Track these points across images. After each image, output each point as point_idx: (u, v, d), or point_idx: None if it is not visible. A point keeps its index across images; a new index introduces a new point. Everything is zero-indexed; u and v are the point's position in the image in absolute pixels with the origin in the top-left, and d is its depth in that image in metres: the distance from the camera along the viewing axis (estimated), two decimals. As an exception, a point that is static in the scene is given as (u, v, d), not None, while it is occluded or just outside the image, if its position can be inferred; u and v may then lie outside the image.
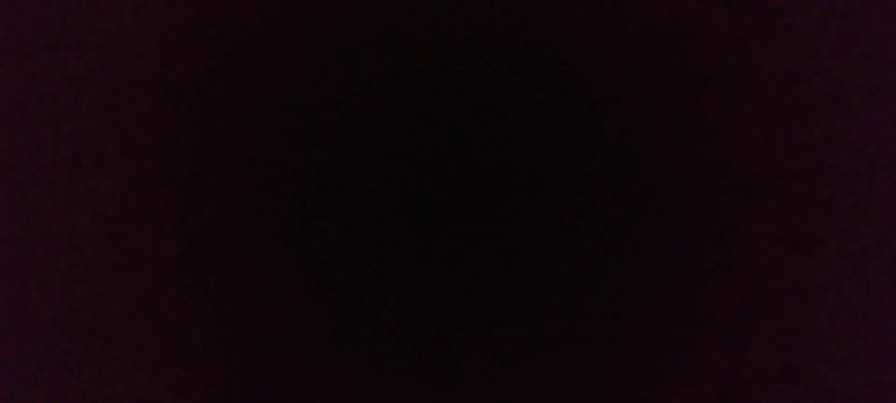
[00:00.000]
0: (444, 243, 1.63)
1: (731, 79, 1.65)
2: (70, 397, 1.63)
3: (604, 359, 1.63)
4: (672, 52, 1.65)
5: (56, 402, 1.63)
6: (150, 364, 1.63)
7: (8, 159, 1.64)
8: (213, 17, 1.65)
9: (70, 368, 1.63)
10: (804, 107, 1.65)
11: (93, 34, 1.66)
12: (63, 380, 1.63)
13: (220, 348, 1.63)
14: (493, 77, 1.64)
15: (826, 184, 1.63)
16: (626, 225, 1.63)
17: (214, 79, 1.64)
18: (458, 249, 1.63)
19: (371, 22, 1.65)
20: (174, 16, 1.65)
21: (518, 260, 1.63)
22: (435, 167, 1.63)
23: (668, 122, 1.64)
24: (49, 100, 1.65)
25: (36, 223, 1.64)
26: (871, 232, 1.63)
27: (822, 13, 1.65)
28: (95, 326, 1.63)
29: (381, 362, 1.63)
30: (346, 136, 1.64)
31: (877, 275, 1.63)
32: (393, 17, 1.65)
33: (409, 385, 1.63)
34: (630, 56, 1.65)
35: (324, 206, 1.64)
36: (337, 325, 1.63)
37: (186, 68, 1.65)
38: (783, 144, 1.64)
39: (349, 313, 1.63)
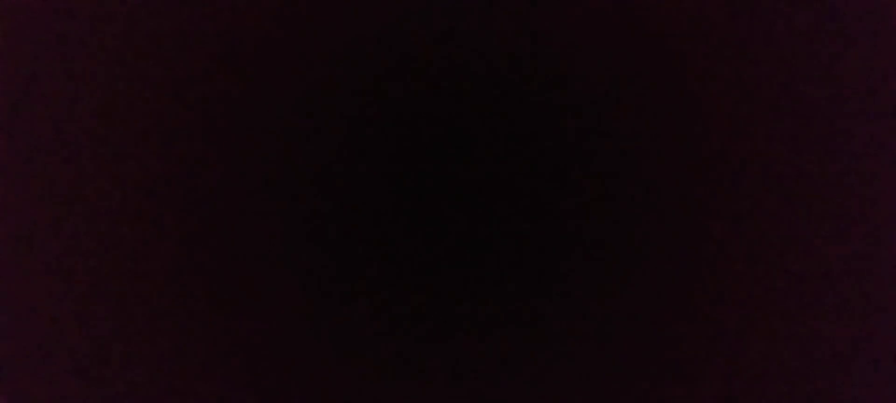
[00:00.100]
0: (444, 243, 1.63)
1: (731, 79, 1.65)
2: (71, 397, 1.63)
3: (604, 359, 1.63)
4: (672, 52, 1.65)
5: (56, 402, 1.63)
6: (150, 363, 1.63)
7: (8, 159, 1.64)
8: (213, 16, 1.65)
9: (70, 368, 1.63)
10: (804, 107, 1.65)
11: (93, 34, 1.66)
12: (63, 380, 1.63)
13: (220, 348, 1.63)
14: (493, 77, 1.65)
15: (826, 184, 1.64)
16: (626, 225, 1.63)
17: (215, 80, 1.65)
18: (459, 249, 1.63)
19: (372, 22, 1.65)
20: (175, 16, 1.66)
21: (518, 260, 1.63)
22: (435, 167, 1.63)
23: (668, 122, 1.64)
24: (49, 100, 1.65)
25: (36, 223, 1.64)
26: (871, 233, 1.63)
27: (822, 13, 1.65)
28: (95, 326, 1.63)
29: (381, 362, 1.63)
30: (346, 137, 1.64)
31: (877, 275, 1.63)
32: (393, 17, 1.65)
33: (410, 385, 1.63)
34: (630, 56, 1.65)
35: (324, 206, 1.64)
36: (337, 325, 1.63)
37: (187, 68, 1.65)
38: (783, 144, 1.64)
39: (349, 313, 1.63)
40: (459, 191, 1.63)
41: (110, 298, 1.63)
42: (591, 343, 1.63)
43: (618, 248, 1.63)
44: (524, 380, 1.63)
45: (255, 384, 1.63)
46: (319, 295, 1.63)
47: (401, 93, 1.64)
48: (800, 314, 1.63)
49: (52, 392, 1.63)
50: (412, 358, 1.63)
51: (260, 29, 1.65)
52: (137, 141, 1.64)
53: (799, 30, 1.65)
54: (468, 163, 1.63)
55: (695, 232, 1.63)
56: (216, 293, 1.63)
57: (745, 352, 1.62)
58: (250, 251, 1.63)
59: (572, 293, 1.63)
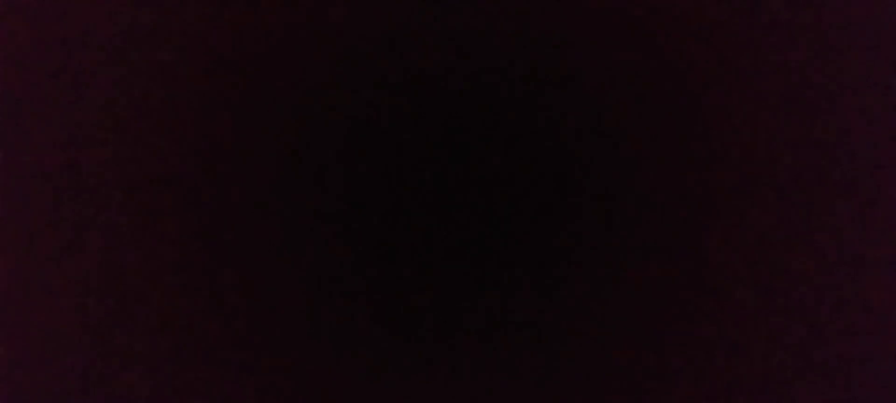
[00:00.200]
0: (444, 243, 1.63)
1: (731, 79, 1.65)
2: (71, 397, 1.63)
3: (604, 359, 1.63)
4: (672, 51, 1.65)
5: (56, 402, 1.63)
6: (150, 363, 1.63)
7: (8, 159, 1.64)
8: (214, 17, 1.65)
9: (71, 368, 1.63)
10: (804, 107, 1.65)
11: (93, 34, 1.66)
12: (64, 380, 1.63)
13: (220, 348, 1.63)
14: (493, 77, 1.64)
15: (826, 183, 1.64)
16: (627, 225, 1.63)
17: (216, 80, 1.64)
18: (459, 249, 1.63)
19: (372, 23, 1.65)
20: (175, 16, 1.65)
21: (519, 259, 1.63)
22: (435, 167, 1.63)
23: (667, 122, 1.64)
24: (49, 100, 1.65)
25: (36, 223, 1.64)
26: (871, 232, 1.63)
27: (821, 13, 1.65)
28: (96, 326, 1.63)
29: (381, 362, 1.63)
30: (346, 137, 1.64)
31: (877, 275, 1.63)
32: (394, 18, 1.65)
33: (410, 385, 1.63)
34: (630, 56, 1.65)
35: (325, 206, 1.64)
36: (337, 325, 1.63)
37: (187, 68, 1.65)
38: (783, 144, 1.64)
39: (350, 313, 1.63)
40: (459, 191, 1.63)
41: (110, 298, 1.63)
42: (592, 343, 1.63)
43: (618, 248, 1.63)
44: (524, 380, 1.63)
45: (256, 384, 1.63)
46: (320, 294, 1.63)
47: (401, 93, 1.64)
48: (800, 314, 1.63)
49: (53, 393, 1.63)
50: (412, 358, 1.62)
51: (261, 29, 1.65)
52: (138, 140, 1.64)
53: (799, 29, 1.65)
54: (468, 163, 1.63)
55: (695, 232, 1.63)
56: (216, 293, 1.63)
57: (745, 352, 1.62)
58: (251, 251, 1.63)
59: (572, 293, 1.63)
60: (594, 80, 1.65)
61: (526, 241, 1.63)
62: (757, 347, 1.62)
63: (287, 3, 1.65)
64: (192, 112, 1.64)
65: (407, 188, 1.63)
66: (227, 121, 1.64)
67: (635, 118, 1.64)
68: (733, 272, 1.63)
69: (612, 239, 1.63)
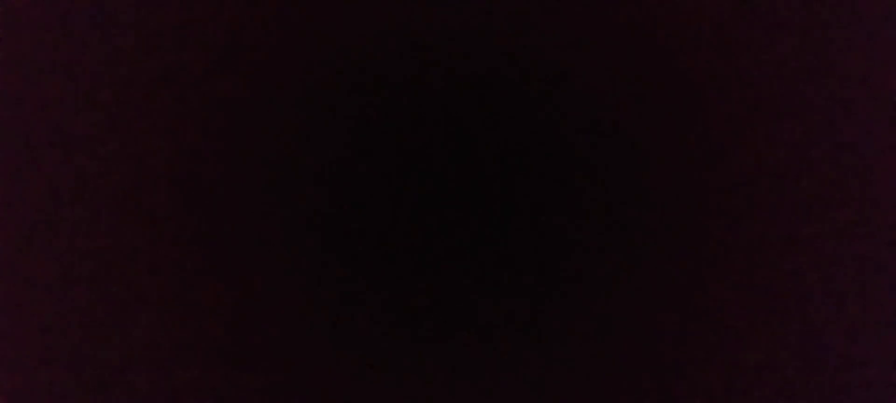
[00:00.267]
0: (444, 243, 1.63)
1: (731, 79, 1.65)
2: (71, 397, 1.63)
3: (604, 359, 1.63)
4: (672, 52, 1.65)
5: (57, 402, 1.63)
6: (150, 363, 1.63)
7: (8, 159, 1.64)
8: (214, 16, 1.65)
9: (70, 368, 1.63)
10: (804, 108, 1.65)
11: (93, 34, 1.66)
12: (64, 380, 1.63)
13: (220, 348, 1.63)
14: (493, 77, 1.65)
15: (826, 183, 1.64)
16: (627, 226, 1.63)
17: (216, 80, 1.64)
18: (459, 249, 1.63)
19: (372, 23, 1.65)
20: (176, 16, 1.65)
21: (519, 259, 1.63)
22: (435, 167, 1.63)
23: (667, 122, 1.64)
24: (49, 100, 1.65)
25: (36, 223, 1.64)
26: (871, 233, 1.63)
27: (821, 13, 1.66)
28: (95, 326, 1.63)
29: (381, 362, 1.63)
30: (347, 137, 1.64)
31: (877, 275, 1.63)
32: (394, 18, 1.65)
33: (410, 385, 1.63)
34: (630, 56, 1.65)
35: (325, 207, 1.64)
36: (337, 325, 1.63)
37: (187, 68, 1.65)
38: (783, 144, 1.64)
39: (350, 313, 1.63)
40: (459, 191, 1.63)
41: (110, 298, 1.63)
42: (592, 343, 1.63)
43: (618, 248, 1.63)
44: (524, 380, 1.63)
45: (256, 383, 1.63)
46: (320, 295, 1.63)
47: (401, 92, 1.64)
48: (800, 314, 1.63)
49: (52, 393, 1.63)
50: (412, 358, 1.62)
51: (261, 29, 1.65)
52: (138, 140, 1.64)
53: (799, 29, 1.65)
54: (468, 163, 1.63)
55: (695, 232, 1.63)
56: (216, 293, 1.63)
57: (745, 352, 1.62)
58: (251, 251, 1.63)
59: (572, 293, 1.63)
60: (594, 80, 1.65)
61: (526, 241, 1.63)
62: (757, 347, 1.63)
63: (287, 3, 1.65)
64: (193, 112, 1.64)
65: (407, 188, 1.63)
66: (227, 121, 1.64)
67: (635, 118, 1.64)
68: (733, 272, 1.63)
69: (612, 239, 1.63)
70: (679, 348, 1.62)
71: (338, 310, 1.63)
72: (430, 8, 1.64)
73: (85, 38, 1.65)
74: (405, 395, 1.63)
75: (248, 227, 1.63)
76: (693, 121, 1.64)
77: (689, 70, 1.64)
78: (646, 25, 1.65)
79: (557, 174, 1.63)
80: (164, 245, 1.63)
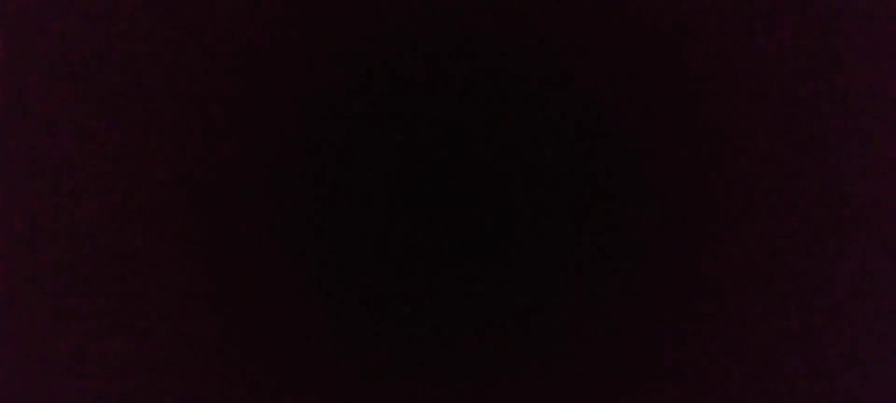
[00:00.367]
0: (444, 243, 1.63)
1: (731, 79, 1.64)
2: (71, 396, 1.63)
3: (604, 360, 1.63)
4: (672, 52, 1.65)
5: (57, 402, 1.63)
6: (150, 364, 1.63)
7: (8, 159, 1.64)
8: (215, 16, 1.65)
9: (71, 368, 1.63)
10: (804, 108, 1.65)
11: (94, 33, 1.65)
12: (64, 380, 1.63)
13: (220, 348, 1.63)
14: (493, 77, 1.64)
15: (826, 183, 1.63)
16: (626, 226, 1.63)
17: (216, 80, 1.64)
18: (459, 249, 1.63)
19: (372, 23, 1.65)
20: (176, 15, 1.65)
21: (519, 260, 1.63)
22: (435, 168, 1.63)
23: (667, 122, 1.64)
24: (49, 101, 1.65)
25: (36, 223, 1.64)
26: (871, 232, 1.63)
27: (822, 13, 1.65)
28: (95, 326, 1.63)
29: (381, 362, 1.63)
30: (347, 137, 1.64)
31: (877, 275, 1.63)
32: (394, 17, 1.65)
33: (410, 385, 1.63)
34: (630, 56, 1.65)
35: (325, 207, 1.63)
36: (338, 325, 1.63)
37: (188, 68, 1.65)
38: (783, 144, 1.64)
39: (350, 313, 1.63)
40: (459, 191, 1.63)
41: (110, 298, 1.63)
42: (592, 343, 1.63)
43: (618, 248, 1.63)
44: (524, 380, 1.62)
45: (256, 384, 1.63)
46: (319, 295, 1.63)
47: (400, 92, 1.64)
48: (800, 314, 1.63)
49: (52, 393, 1.63)
50: (412, 359, 1.62)
51: (262, 29, 1.65)
52: (137, 140, 1.64)
53: (799, 29, 1.65)
54: (468, 163, 1.63)
55: (695, 232, 1.63)
56: (216, 293, 1.63)
57: (745, 352, 1.62)
58: (251, 251, 1.63)
59: (573, 293, 1.63)
60: (594, 80, 1.65)
61: (526, 241, 1.63)
62: (757, 347, 1.62)
63: (287, 3, 1.65)
64: (193, 111, 1.64)
65: (407, 188, 1.63)
66: (227, 121, 1.64)
67: (635, 117, 1.64)
68: (734, 272, 1.63)
69: (612, 239, 1.63)
70: (679, 348, 1.62)
71: (338, 310, 1.63)
72: (430, 8, 1.64)
73: (85, 37, 1.65)
74: (405, 395, 1.63)
75: (248, 227, 1.63)
76: (693, 120, 1.64)
77: (689, 70, 1.64)
78: (646, 25, 1.65)
79: (557, 174, 1.63)
80: (164, 245, 1.63)
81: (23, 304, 1.63)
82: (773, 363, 1.63)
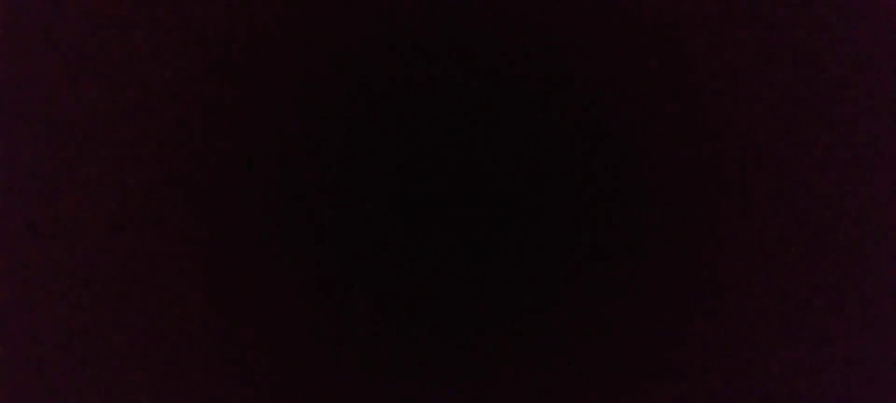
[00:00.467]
0: (444, 244, 1.63)
1: (731, 79, 1.65)
2: (70, 397, 1.63)
3: (604, 359, 1.63)
4: (672, 52, 1.65)
5: (56, 402, 1.63)
6: (150, 364, 1.63)
7: (8, 159, 1.64)
8: (215, 16, 1.65)
9: (70, 368, 1.63)
10: (804, 107, 1.65)
11: (94, 33, 1.66)
12: (64, 380, 1.63)
13: (220, 348, 1.63)
14: (493, 77, 1.64)
15: (826, 183, 1.64)
16: (626, 226, 1.63)
17: (216, 80, 1.64)
18: (459, 250, 1.63)
19: (372, 22, 1.65)
20: (177, 15, 1.65)
21: (519, 260, 1.63)
22: (435, 168, 1.63)
23: (668, 122, 1.64)
24: (50, 101, 1.65)
25: (36, 223, 1.64)
26: (871, 232, 1.63)
27: (822, 13, 1.65)
28: (95, 327, 1.63)
29: (381, 362, 1.63)
30: (348, 137, 1.64)
31: (877, 276, 1.63)
32: (394, 17, 1.65)
33: (409, 386, 1.63)
34: (630, 56, 1.65)
35: (326, 207, 1.64)
36: (338, 325, 1.63)
37: (188, 68, 1.65)
38: (783, 144, 1.64)
39: (350, 313, 1.63)
40: (459, 191, 1.63)
41: (110, 298, 1.63)
42: (592, 343, 1.63)
43: (618, 249, 1.63)
44: (524, 381, 1.63)
45: (255, 384, 1.63)
46: (319, 295, 1.63)
47: (400, 92, 1.64)
48: (800, 314, 1.63)
49: (53, 393, 1.63)
50: (413, 359, 1.62)
51: (261, 28, 1.65)
52: (137, 140, 1.64)
53: (799, 29, 1.65)
54: (468, 163, 1.63)
55: (695, 232, 1.63)
56: (216, 293, 1.63)
57: (745, 353, 1.62)
58: (251, 251, 1.63)
59: (572, 293, 1.63)
60: (595, 80, 1.65)
61: (526, 241, 1.63)
62: (757, 348, 1.63)
63: (287, 3, 1.65)
64: (193, 111, 1.64)
65: (408, 188, 1.63)
66: (227, 121, 1.64)
67: (635, 117, 1.64)
68: (734, 272, 1.63)
69: (612, 239, 1.63)
70: (679, 348, 1.62)
71: (338, 311, 1.63)
72: (431, 8, 1.64)
73: (85, 37, 1.65)
74: (405, 395, 1.63)
75: (248, 227, 1.63)
76: (693, 120, 1.64)
77: (689, 69, 1.64)
78: (646, 25, 1.65)
79: (557, 174, 1.63)
80: (164, 245, 1.63)
81: (23, 304, 1.63)
82: (773, 363, 1.63)
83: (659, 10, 1.65)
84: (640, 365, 1.62)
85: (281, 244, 1.63)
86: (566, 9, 1.65)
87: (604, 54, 1.65)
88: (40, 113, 1.65)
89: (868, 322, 1.63)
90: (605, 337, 1.62)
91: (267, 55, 1.65)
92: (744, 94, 1.64)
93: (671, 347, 1.62)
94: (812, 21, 1.65)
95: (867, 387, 1.63)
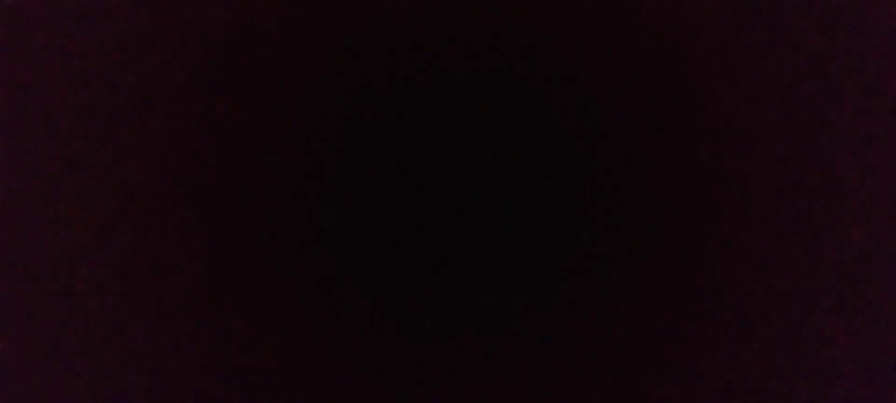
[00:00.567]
0: (444, 244, 1.63)
1: (731, 79, 1.65)
2: (71, 397, 1.63)
3: (604, 359, 1.63)
4: (672, 52, 1.65)
5: (56, 402, 1.63)
6: (150, 364, 1.63)
7: (8, 159, 1.64)
8: (216, 17, 1.65)
9: (70, 368, 1.63)
10: (803, 107, 1.65)
11: (95, 34, 1.66)
12: (64, 380, 1.63)
13: (220, 348, 1.63)
14: (493, 77, 1.64)
15: (826, 183, 1.64)
16: (627, 226, 1.63)
17: (217, 80, 1.64)
18: (459, 250, 1.63)
19: (373, 23, 1.65)
20: (178, 16, 1.65)
21: (518, 260, 1.63)
22: (436, 168, 1.63)
23: (668, 122, 1.64)
24: (50, 101, 1.65)
25: (36, 223, 1.64)
26: (871, 232, 1.63)
27: (822, 13, 1.65)
28: (95, 326, 1.63)
29: (381, 362, 1.63)
30: (348, 138, 1.64)
31: (877, 276, 1.63)
32: (394, 17, 1.65)
33: (409, 386, 1.63)
34: (630, 56, 1.65)
35: (326, 207, 1.64)
36: (338, 325, 1.63)
37: (189, 68, 1.65)
38: (783, 144, 1.64)
39: (351, 313, 1.63)
40: (459, 191, 1.63)
41: (110, 298, 1.63)
42: (592, 343, 1.63)
43: (618, 248, 1.63)
44: (524, 381, 1.63)
45: (255, 384, 1.63)
46: (319, 295, 1.63)
47: (400, 92, 1.64)
48: (800, 314, 1.63)
49: (53, 393, 1.63)
50: (412, 359, 1.63)
51: (261, 29, 1.65)
52: (137, 140, 1.64)
53: (799, 29, 1.65)
54: (469, 163, 1.63)
55: (695, 232, 1.63)
56: (216, 293, 1.63)
57: (745, 353, 1.62)
58: (251, 251, 1.63)
59: (573, 294, 1.63)
60: (595, 80, 1.65)
61: (526, 242, 1.63)
62: (757, 348, 1.63)
63: (287, 3, 1.65)
64: (193, 111, 1.64)
65: (408, 188, 1.63)
66: (227, 121, 1.64)
67: (635, 117, 1.64)
68: (734, 272, 1.63)
69: (612, 239, 1.63)
70: (679, 348, 1.62)
71: (338, 311, 1.63)
72: (431, 8, 1.64)
73: (84, 37, 1.65)
74: (405, 396, 1.63)
75: (248, 227, 1.63)
76: (693, 120, 1.64)
77: (689, 69, 1.64)
78: (646, 25, 1.65)
79: (557, 174, 1.63)
80: (164, 245, 1.63)
81: (23, 304, 1.63)
82: (773, 363, 1.63)
83: (659, 10, 1.65)
84: (640, 365, 1.62)
85: (281, 244, 1.63)
86: (566, 9, 1.65)
87: (604, 54, 1.65)
88: (40, 113, 1.65)
89: (868, 322, 1.63)
90: (605, 337, 1.62)
91: (267, 55, 1.65)
92: (744, 94, 1.64)
93: (671, 347, 1.62)
94: (812, 21, 1.65)
95: (867, 387, 1.63)
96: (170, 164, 1.64)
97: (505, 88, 1.64)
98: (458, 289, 1.63)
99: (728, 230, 1.63)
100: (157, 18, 1.65)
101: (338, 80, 1.65)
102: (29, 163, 1.64)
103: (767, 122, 1.64)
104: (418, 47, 1.64)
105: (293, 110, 1.65)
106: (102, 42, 1.65)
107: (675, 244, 1.63)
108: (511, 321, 1.62)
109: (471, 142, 1.63)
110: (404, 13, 1.64)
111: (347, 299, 1.63)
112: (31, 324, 1.63)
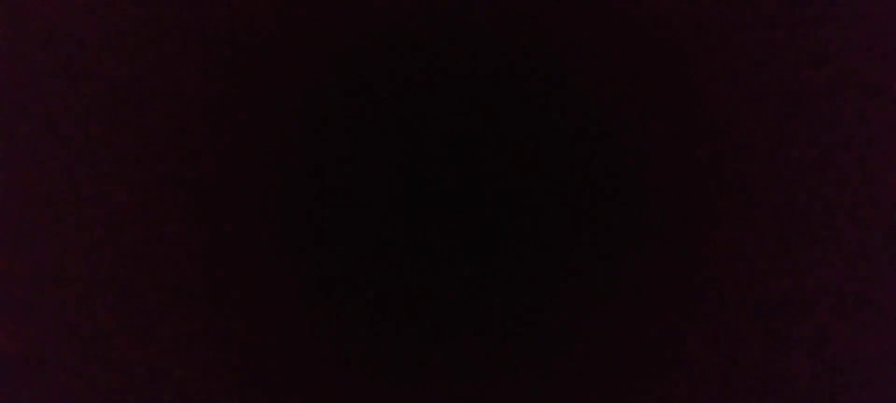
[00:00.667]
0: (444, 244, 1.63)
1: (731, 79, 1.65)
2: (70, 397, 1.63)
3: (604, 359, 1.63)
4: (672, 52, 1.65)
5: (55, 402, 1.63)
6: (150, 364, 1.63)
7: (9, 160, 1.64)
8: (218, 17, 1.65)
9: (69, 368, 1.63)
10: (803, 107, 1.65)
11: (95, 34, 1.66)
12: (64, 380, 1.63)
13: (220, 348, 1.63)
14: (493, 77, 1.64)
15: (826, 183, 1.64)
16: (627, 226, 1.63)
17: (218, 81, 1.64)
18: (459, 250, 1.63)
19: (374, 23, 1.65)
20: (179, 16, 1.65)
21: (519, 260, 1.63)
22: (436, 168, 1.63)
23: (667, 122, 1.64)
24: (50, 101, 1.65)
25: (37, 224, 1.64)
26: (871, 232, 1.63)
27: (822, 13, 1.65)
28: (96, 327, 1.63)
29: (382, 362, 1.63)
30: (349, 138, 1.64)
31: (877, 275, 1.63)
32: (395, 18, 1.65)
33: (410, 386, 1.63)
34: (630, 56, 1.65)
35: (327, 208, 1.64)
36: (339, 325, 1.63)
37: (190, 69, 1.65)
38: (783, 144, 1.64)
39: (351, 313, 1.63)
40: (459, 191, 1.63)
41: (110, 298, 1.63)
42: (592, 343, 1.63)
43: (618, 248, 1.63)
44: (524, 381, 1.63)
45: (255, 384, 1.63)
46: (319, 295, 1.63)
47: (400, 93, 1.64)
48: (800, 314, 1.63)
49: (53, 393, 1.63)
50: (412, 359, 1.63)
51: (261, 28, 1.65)
52: (137, 140, 1.64)
53: (799, 29, 1.65)
54: (469, 164, 1.63)
55: (695, 232, 1.63)
56: (216, 293, 1.63)
57: (746, 352, 1.62)
58: (251, 251, 1.63)
59: (573, 294, 1.63)
60: (595, 80, 1.65)
61: (526, 242, 1.63)
62: (757, 348, 1.63)
63: (287, 3, 1.65)
64: (193, 112, 1.64)
65: (408, 189, 1.63)
66: (228, 122, 1.64)
67: (635, 117, 1.64)
68: (734, 272, 1.63)
69: (612, 239, 1.63)
70: (679, 348, 1.62)
71: (338, 311, 1.63)
72: (431, 8, 1.64)
73: (85, 37, 1.65)
74: (405, 395, 1.63)
75: (248, 227, 1.63)
76: (693, 120, 1.64)
77: (689, 69, 1.64)
78: (646, 24, 1.65)
79: (557, 174, 1.63)
80: (165, 246, 1.63)
81: (23, 304, 1.63)
82: (773, 363, 1.63)
83: (659, 10, 1.65)
84: (640, 365, 1.62)
85: (281, 244, 1.63)
86: (566, 9, 1.65)
87: (604, 54, 1.65)
88: (40, 113, 1.65)
89: (868, 322, 1.63)
90: (605, 337, 1.62)
91: (267, 55, 1.65)
92: (744, 94, 1.64)
93: (671, 347, 1.62)
94: (812, 20, 1.65)
95: (867, 387, 1.63)
96: (170, 164, 1.64)
97: (505, 88, 1.64)
98: (459, 289, 1.63)
99: (728, 230, 1.63)
100: (158, 18, 1.65)
101: (338, 81, 1.64)
102: (29, 163, 1.64)
103: (767, 122, 1.64)
104: (418, 48, 1.64)
105: (293, 110, 1.65)
106: (103, 42, 1.65)
107: (675, 244, 1.63)
108: (511, 321, 1.62)
109: (471, 143, 1.63)
110: (404, 13, 1.64)
111: (347, 299, 1.63)
112: (32, 324, 1.63)
